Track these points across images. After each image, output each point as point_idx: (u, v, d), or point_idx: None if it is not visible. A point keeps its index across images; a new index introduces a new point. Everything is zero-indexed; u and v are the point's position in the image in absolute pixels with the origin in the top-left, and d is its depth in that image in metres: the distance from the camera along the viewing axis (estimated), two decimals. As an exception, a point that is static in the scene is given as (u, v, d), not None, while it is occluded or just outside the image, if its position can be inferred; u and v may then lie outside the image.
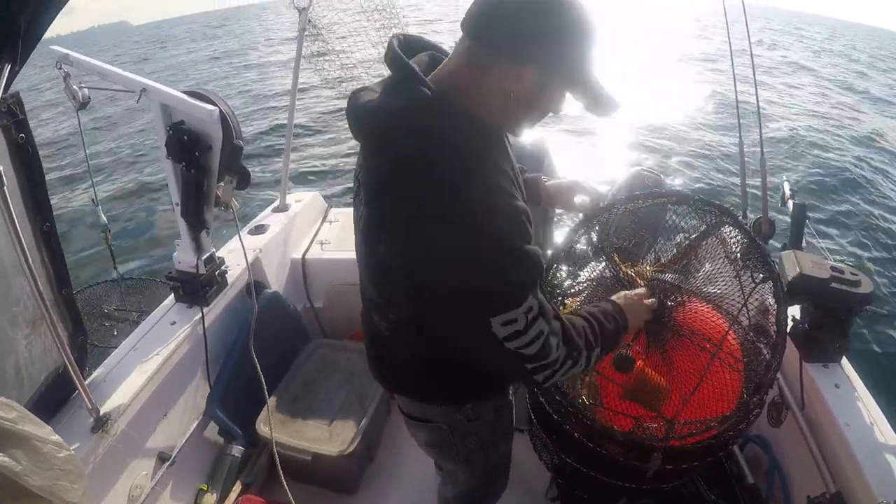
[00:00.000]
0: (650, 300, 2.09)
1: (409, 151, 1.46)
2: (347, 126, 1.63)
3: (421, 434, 2.24)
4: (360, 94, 1.60)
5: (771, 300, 2.19)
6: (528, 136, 3.19)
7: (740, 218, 2.35)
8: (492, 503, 2.68)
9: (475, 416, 2.04)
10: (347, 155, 11.06)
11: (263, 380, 3.08)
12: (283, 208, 4.36)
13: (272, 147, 11.20)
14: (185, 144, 2.73)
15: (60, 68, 2.66)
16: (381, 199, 1.54)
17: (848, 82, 21.63)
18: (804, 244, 2.90)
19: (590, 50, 1.46)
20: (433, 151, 1.43)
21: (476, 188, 1.41)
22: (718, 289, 2.44)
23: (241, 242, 3.25)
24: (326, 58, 4.29)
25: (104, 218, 3.66)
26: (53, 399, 2.45)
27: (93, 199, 3.55)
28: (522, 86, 1.47)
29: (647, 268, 2.49)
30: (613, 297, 1.99)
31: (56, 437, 1.76)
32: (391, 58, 1.53)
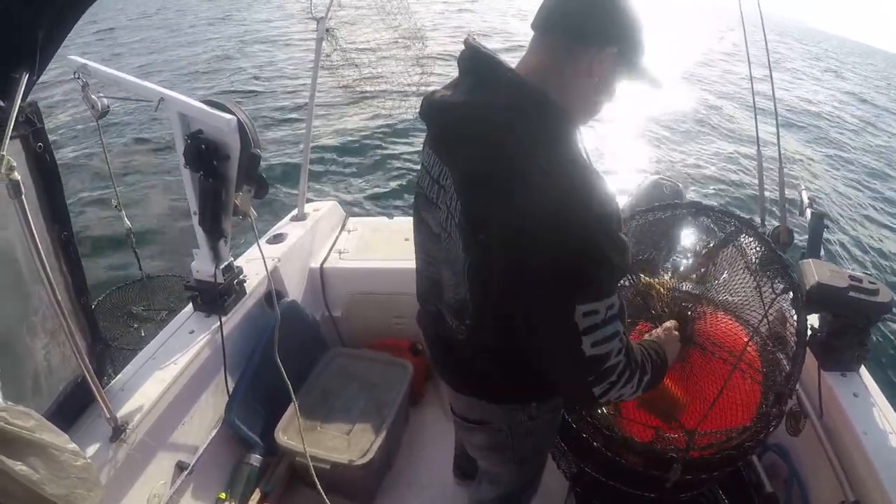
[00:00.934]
0: (675, 329, 2.12)
1: (511, 143, 1.51)
2: (425, 127, 1.79)
3: (476, 437, 2.25)
4: (437, 94, 1.72)
5: (789, 310, 2.18)
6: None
7: (759, 227, 2.35)
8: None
9: (537, 415, 2.06)
10: (367, 166, 11.09)
11: (290, 385, 3.08)
12: (301, 217, 4.36)
13: (290, 156, 11.26)
14: (202, 154, 2.73)
15: (78, 78, 2.67)
16: (484, 192, 1.56)
17: (865, 96, 21.53)
18: (822, 253, 2.89)
19: (643, 27, 1.59)
20: (540, 147, 1.49)
21: (581, 180, 1.46)
22: (738, 298, 2.43)
23: (261, 251, 3.26)
24: (344, 67, 4.30)
25: (128, 222, 3.68)
26: (72, 408, 2.45)
27: (116, 206, 3.56)
28: (604, 69, 1.58)
29: (666, 277, 2.48)
30: (648, 336, 2.05)
31: (73, 446, 1.76)
32: (474, 56, 1.65)
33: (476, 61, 1.64)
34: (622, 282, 2.49)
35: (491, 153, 1.55)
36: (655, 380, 1.81)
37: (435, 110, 1.72)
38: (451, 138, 1.70)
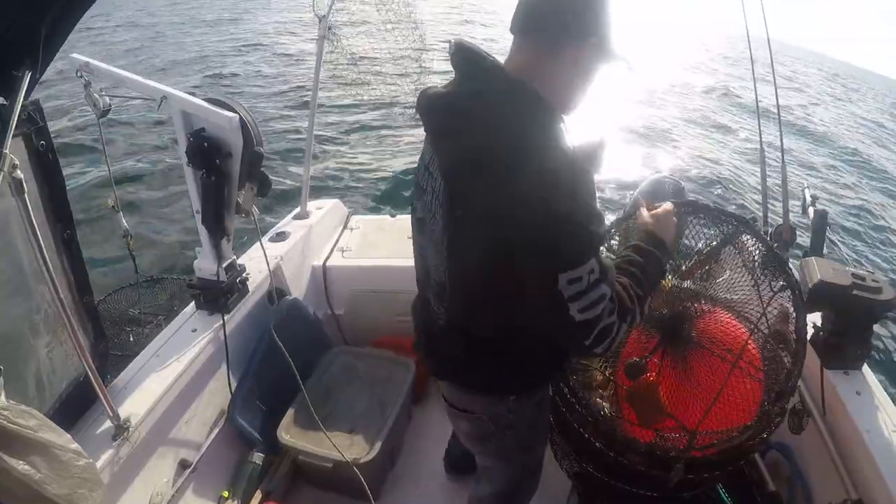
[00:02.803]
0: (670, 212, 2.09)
1: (491, 124, 1.61)
2: (420, 122, 1.86)
3: (462, 425, 2.29)
4: (430, 90, 1.81)
5: (791, 308, 2.18)
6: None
7: (760, 225, 2.35)
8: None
9: (516, 408, 2.10)
10: (369, 164, 11.09)
11: (301, 381, 3.09)
12: (303, 215, 4.37)
13: (293, 154, 11.25)
14: (205, 152, 2.74)
15: (81, 76, 2.67)
16: (464, 170, 1.68)
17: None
18: (825, 251, 2.88)
19: (610, 14, 1.67)
20: (515, 126, 1.59)
21: (553, 155, 1.55)
22: (738, 296, 2.43)
23: (263, 249, 3.26)
24: (347, 65, 4.30)
25: (125, 223, 3.67)
26: (75, 407, 2.45)
27: (113, 206, 3.55)
28: (587, 58, 1.68)
29: (668, 277, 2.48)
30: (641, 224, 2.06)
31: (75, 445, 1.76)
32: (461, 52, 1.71)
33: (461, 55, 1.71)
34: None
35: (472, 134, 1.65)
36: (652, 291, 1.89)
37: (425, 103, 1.80)
38: (438, 126, 1.81)
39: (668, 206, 2.08)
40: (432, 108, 1.79)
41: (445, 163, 1.74)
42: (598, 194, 1.77)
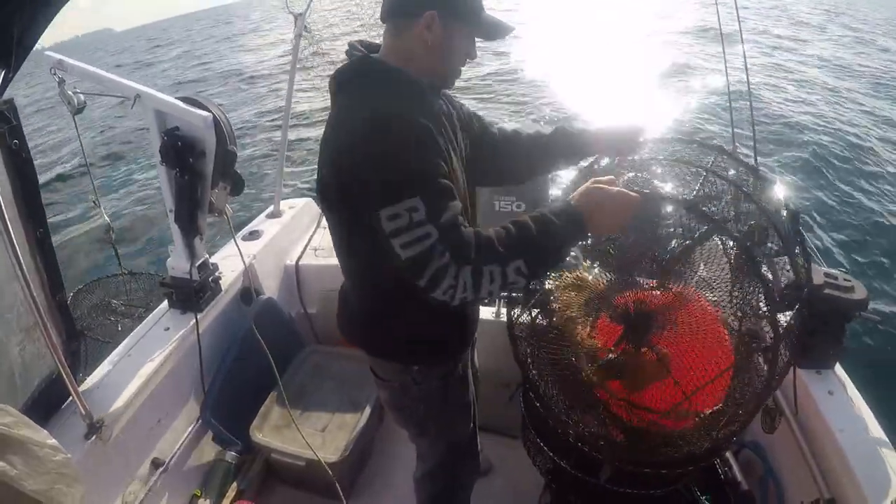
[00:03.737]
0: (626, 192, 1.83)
1: (341, 101, 1.86)
2: None
3: (383, 393, 2.36)
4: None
5: (764, 306, 2.19)
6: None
7: (732, 224, 2.36)
8: (460, 490, 2.75)
9: (421, 379, 2.19)
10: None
11: (276, 370, 3.08)
12: (276, 214, 4.36)
13: (266, 154, 11.19)
14: (179, 150, 2.74)
15: (55, 74, 2.66)
16: (323, 142, 1.82)
17: (847, 63, 21.22)
18: (797, 251, 2.90)
19: None
20: (363, 91, 1.81)
21: (385, 108, 1.70)
22: (715, 296, 2.45)
23: (238, 248, 3.26)
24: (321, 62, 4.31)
25: (107, 217, 3.65)
26: (47, 405, 2.45)
27: (94, 201, 3.54)
28: (433, 33, 1.78)
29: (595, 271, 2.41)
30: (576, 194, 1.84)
31: (52, 441, 1.76)
32: (348, 49, 1.93)
33: (350, 51, 1.92)
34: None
35: (335, 106, 1.88)
36: (537, 255, 1.73)
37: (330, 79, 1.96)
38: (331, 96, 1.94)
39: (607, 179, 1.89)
40: (330, 81, 1.92)
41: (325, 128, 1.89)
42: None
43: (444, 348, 2.21)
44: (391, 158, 1.62)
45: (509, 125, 2.37)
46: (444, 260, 1.60)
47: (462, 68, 1.95)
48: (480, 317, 2.49)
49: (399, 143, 1.63)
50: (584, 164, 2.39)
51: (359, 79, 1.84)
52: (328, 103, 1.90)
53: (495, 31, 1.87)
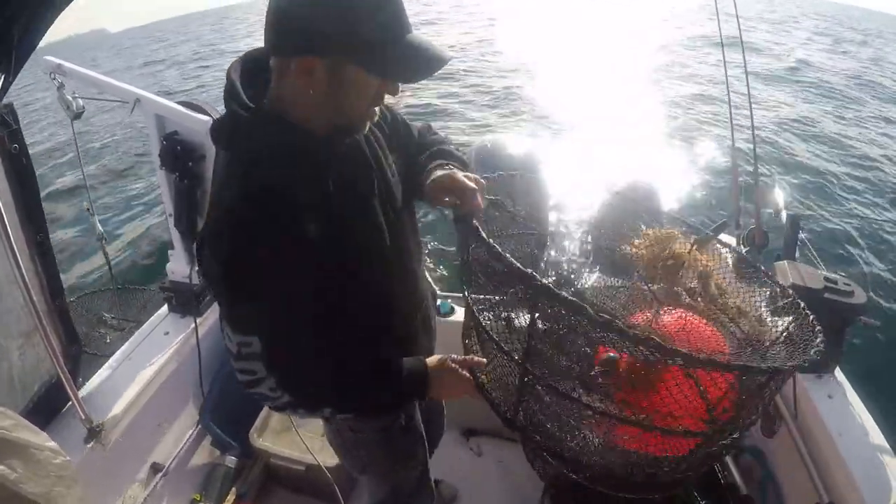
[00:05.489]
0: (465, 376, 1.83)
1: (219, 157, 1.63)
2: None
3: (327, 432, 2.22)
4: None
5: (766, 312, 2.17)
6: (518, 147, 3.19)
7: (732, 228, 2.37)
8: None
9: (358, 429, 2.06)
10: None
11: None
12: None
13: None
14: (178, 155, 2.74)
15: (54, 78, 2.66)
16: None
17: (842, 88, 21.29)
18: (797, 255, 2.90)
19: (363, 16, 1.38)
20: (231, 159, 1.55)
21: (238, 203, 1.47)
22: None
23: None
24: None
25: (100, 227, 3.65)
26: (46, 409, 2.45)
27: (88, 209, 3.54)
28: (315, 79, 1.43)
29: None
30: (434, 360, 1.86)
31: (52, 444, 1.76)
32: (226, 81, 1.58)
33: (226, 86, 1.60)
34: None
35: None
36: (357, 404, 1.78)
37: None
38: None
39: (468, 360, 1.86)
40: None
41: None
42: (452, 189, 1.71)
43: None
44: (244, 285, 1.47)
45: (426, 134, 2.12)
46: (273, 394, 1.58)
47: (378, 108, 1.62)
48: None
49: (248, 274, 1.46)
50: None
51: (234, 136, 1.55)
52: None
53: (415, 68, 1.48)
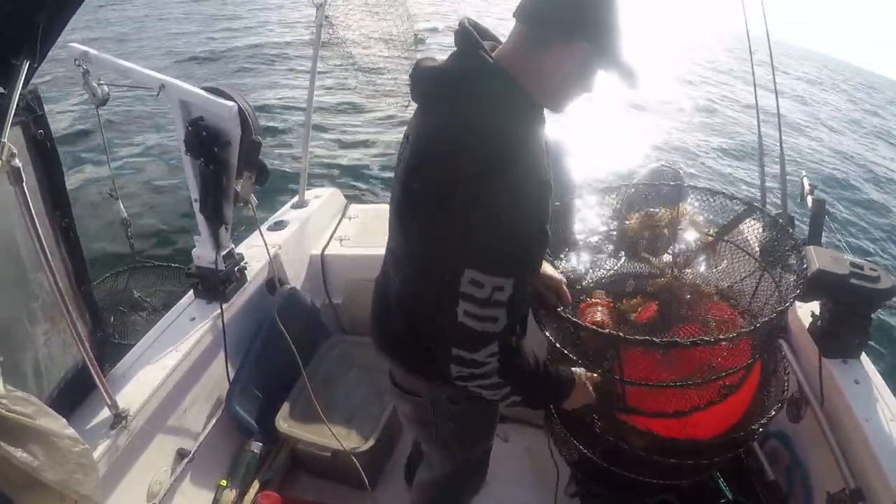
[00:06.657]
0: (591, 390, 2.13)
1: (457, 111, 1.63)
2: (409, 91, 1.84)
3: (406, 407, 2.28)
4: (424, 61, 1.79)
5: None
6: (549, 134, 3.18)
7: (758, 214, 2.37)
8: (464, 500, 2.73)
9: (458, 400, 2.09)
10: (367, 152, 11.04)
11: (300, 361, 3.07)
12: (301, 204, 4.36)
13: (291, 142, 11.21)
14: (203, 140, 2.74)
15: (79, 65, 2.66)
16: (431, 149, 1.68)
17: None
18: (823, 240, 2.88)
19: (621, 24, 1.57)
20: (481, 109, 1.60)
21: (523, 175, 1.55)
22: (737, 285, 2.44)
23: (263, 237, 3.25)
24: (343, 55, 4.28)
25: (125, 212, 3.66)
26: (73, 395, 2.46)
27: (111, 193, 3.55)
28: (575, 61, 1.60)
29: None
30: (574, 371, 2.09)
31: (71, 431, 1.77)
32: (461, 32, 1.69)
33: (460, 36, 1.69)
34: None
35: (441, 112, 1.69)
36: (534, 398, 1.98)
37: (416, 73, 1.79)
38: (421, 96, 1.81)
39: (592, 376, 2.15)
40: (420, 78, 1.78)
41: (417, 133, 1.75)
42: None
43: None
44: (517, 225, 1.55)
45: None
46: (492, 361, 1.65)
47: None
48: None
49: (532, 222, 1.57)
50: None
51: (486, 94, 1.63)
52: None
53: (631, 77, 1.66)
